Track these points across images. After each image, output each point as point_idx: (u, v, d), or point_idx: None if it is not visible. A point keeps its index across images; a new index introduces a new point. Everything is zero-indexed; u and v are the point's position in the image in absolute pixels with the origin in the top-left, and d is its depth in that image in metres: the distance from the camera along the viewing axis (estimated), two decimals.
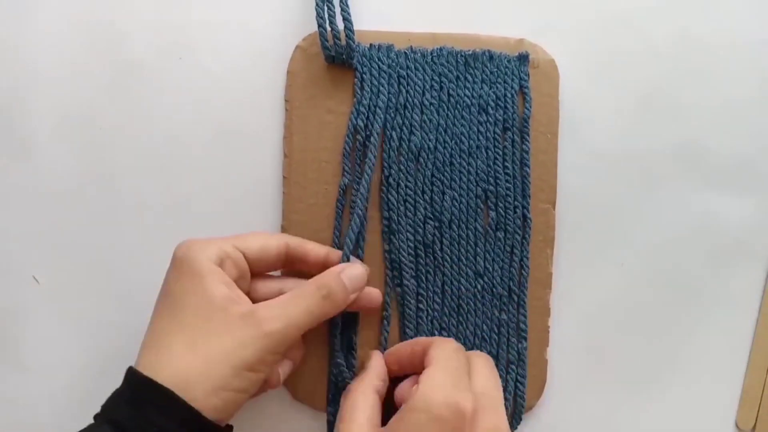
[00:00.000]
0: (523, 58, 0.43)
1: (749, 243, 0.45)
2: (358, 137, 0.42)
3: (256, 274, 0.39)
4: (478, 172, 0.42)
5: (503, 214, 0.43)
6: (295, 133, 0.43)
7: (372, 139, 0.42)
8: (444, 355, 0.37)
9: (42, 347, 0.45)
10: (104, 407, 0.35)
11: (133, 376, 0.35)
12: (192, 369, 0.34)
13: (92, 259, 0.44)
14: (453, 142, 0.42)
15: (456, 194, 0.42)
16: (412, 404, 0.35)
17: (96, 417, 0.35)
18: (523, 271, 0.43)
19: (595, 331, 0.44)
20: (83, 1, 0.44)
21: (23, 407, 0.45)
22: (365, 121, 0.42)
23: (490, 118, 0.42)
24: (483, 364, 0.39)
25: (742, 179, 0.44)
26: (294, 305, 0.36)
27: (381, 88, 0.42)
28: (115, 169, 0.44)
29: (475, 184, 0.42)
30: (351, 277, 0.39)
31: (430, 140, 0.42)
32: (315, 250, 0.40)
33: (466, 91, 0.42)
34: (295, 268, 0.41)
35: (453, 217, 0.42)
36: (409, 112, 0.42)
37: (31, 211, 0.44)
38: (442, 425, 0.34)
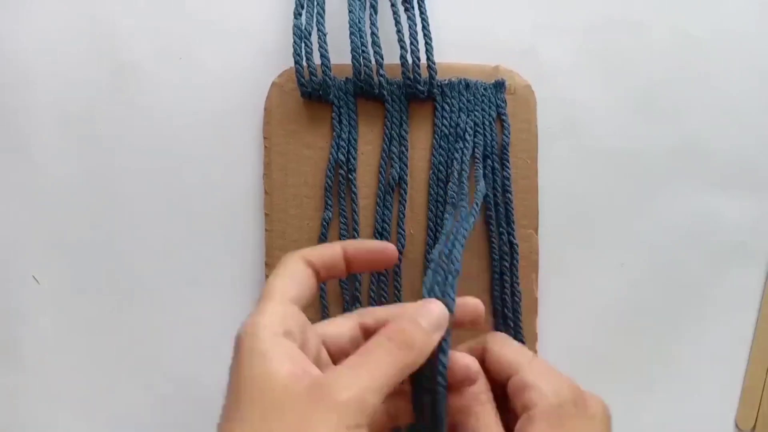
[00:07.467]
0: (500, 85, 0.42)
1: (749, 243, 0.44)
2: (340, 171, 0.42)
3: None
4: None
5: (489, 241, 0.42)
6: (274, 170, 0.43)
7: (354, 172, 0.42)
8: (524, 353, 0.35)
9: (42, 347, 0.45)
10: None
11: None
12: None
13: (92, 259, 0.44)
14: (432, 171, 0.42)
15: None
16: (544, 409, 0.32)
17: None
18: (515, 297, 0.42)
19: (592, 332, 0.44)
20: (83, 2, 0.44)
21: (23, 407, 0.45)
22: (346, 155, 0.42)
23: (468, 146, 0.42)
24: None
25: (742, 179, 0.44)
26: (366, 364, 0.30)
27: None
28: (115, 169, 0.44)
29: None
30: (427, 315, 0.32)
31: (408, 171, 0.42)
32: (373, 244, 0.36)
33: (444, 121, 0.42)
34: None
35: None
36: (386, 144, 0.42)
37: (31, 211, 0.45)
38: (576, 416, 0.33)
